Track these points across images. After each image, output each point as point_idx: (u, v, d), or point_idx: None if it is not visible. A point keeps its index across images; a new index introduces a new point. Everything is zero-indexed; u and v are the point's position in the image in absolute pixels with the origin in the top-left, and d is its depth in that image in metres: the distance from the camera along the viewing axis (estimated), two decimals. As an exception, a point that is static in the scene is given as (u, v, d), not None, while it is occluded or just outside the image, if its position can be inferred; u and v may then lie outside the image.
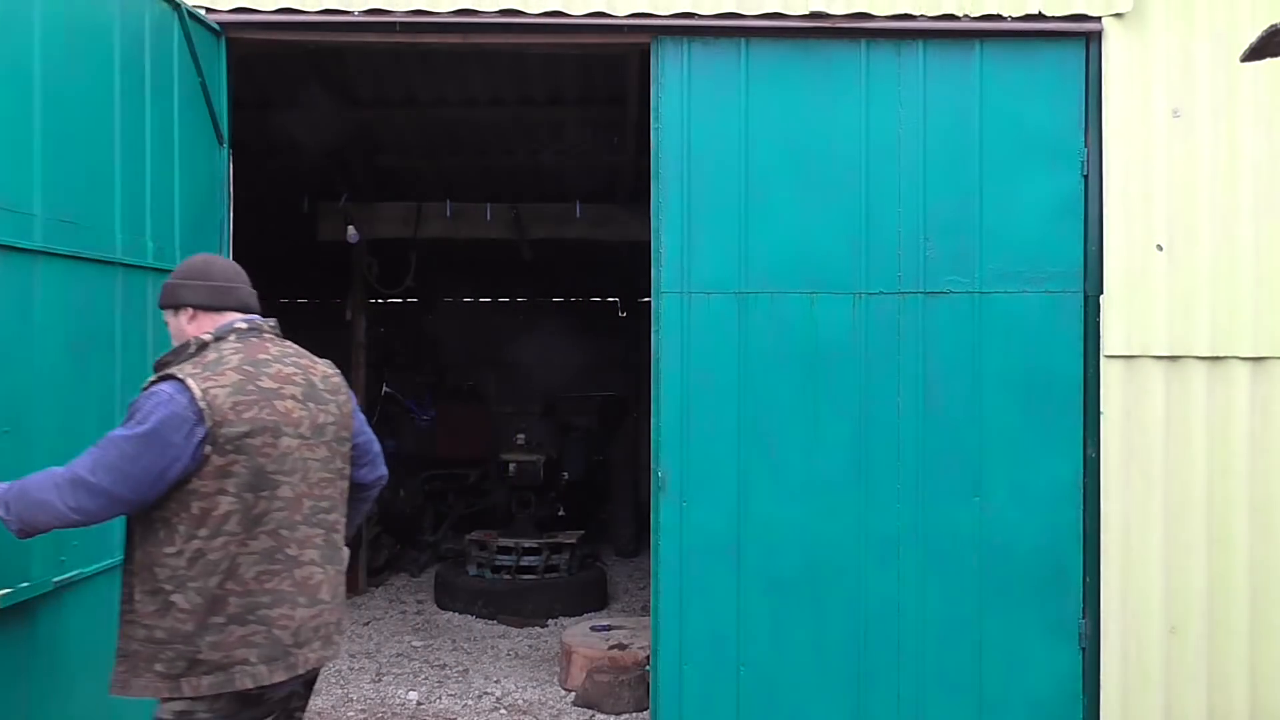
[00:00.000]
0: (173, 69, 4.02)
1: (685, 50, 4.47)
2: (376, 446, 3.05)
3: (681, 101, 4.47)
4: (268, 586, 2.64)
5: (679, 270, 4.48)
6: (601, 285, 11.23)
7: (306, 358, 2.89)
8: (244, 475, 2.61)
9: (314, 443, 2.78)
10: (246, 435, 2.61)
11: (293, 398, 2.74)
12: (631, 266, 9.02)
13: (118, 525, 2.95)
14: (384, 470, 3.08)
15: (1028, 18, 4.42)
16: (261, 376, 2.71)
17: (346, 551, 2.99)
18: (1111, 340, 4.43)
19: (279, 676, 2.65)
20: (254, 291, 2.92)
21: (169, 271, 3.88)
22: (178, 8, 4.02)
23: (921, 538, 4.47)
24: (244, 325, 2.80)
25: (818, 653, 4.46)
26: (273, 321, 2.90)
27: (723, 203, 4.47)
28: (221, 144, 4.41)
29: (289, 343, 2.91)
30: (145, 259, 3.80)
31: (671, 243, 4.48)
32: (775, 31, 4.44)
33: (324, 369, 2.93)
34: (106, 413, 3.52)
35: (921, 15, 4.41)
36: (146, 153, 3.84)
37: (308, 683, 2.92)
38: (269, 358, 2.78)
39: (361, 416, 3.01)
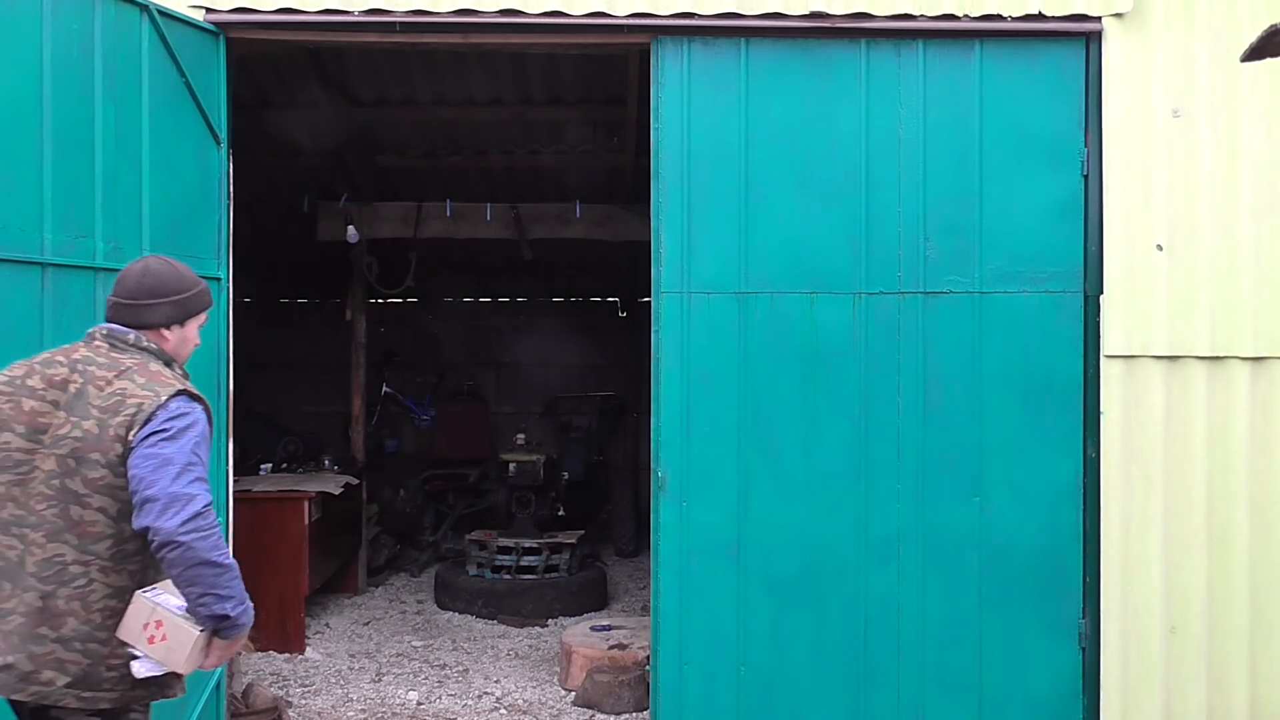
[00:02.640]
0: (140, 68, 4.03)
1: (685, 50, 4.47)
2: (148, 491, 2.49)
3: (681, 101, 4.47)
4: None
5: (679, 270, 4.48)
6: (601, 285, 11.22)
7: (110, 369, 2.66)
8: None
9: (44, 451, 2.60)
10: None
11: (51, 402, 2.63)
12: (631, 266, 9.05)
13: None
14: (154, 522, 2.46)
15: (1028, 18, 4.42)
16: (34, 374, 2.67)
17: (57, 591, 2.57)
18: (1111, 340, 4.43)
19: None
20: (122, 300, 2.77)
21: None
22: (144, 8, 4.02)
23: (921, 538, 4.47)
24: (96, 332, 2.77)
25: (818, 653, 4.46)
26: (127, 335, 2.73)
27: (723, 203, 4.47)
28: (219, 143, 4.41)
29: (123, 357, 2.69)
30: (91, 259, 3.82)
31: (671, 243, 4.48)
32: (775, 31, 4.44)
33: (127, 388, 2.62)
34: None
35: (921, 15, 4.40)
36: (97, 152, 3.85)
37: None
38: (63, 359, 2.70)
39: (153, 453, 2.52)
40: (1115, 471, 4.44)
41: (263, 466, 7.47)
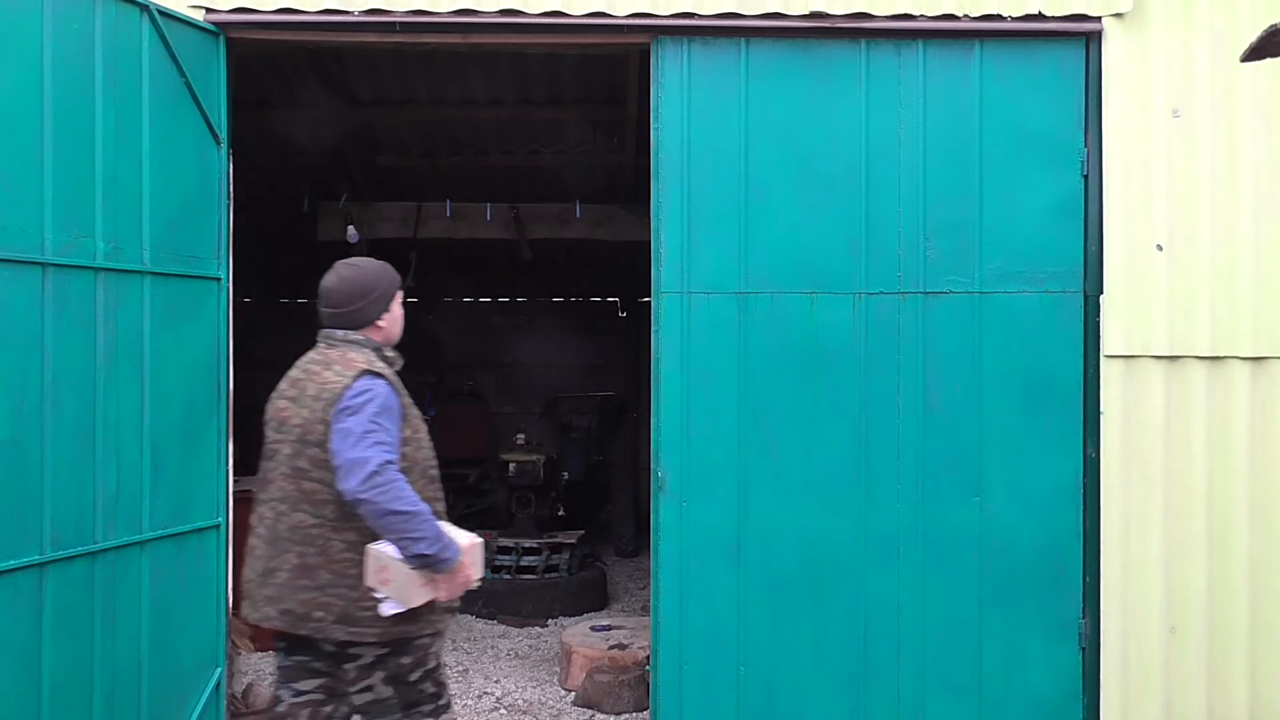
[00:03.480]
0: (140, 68, 4.02)
1: (685, 50, 4.47)
2: (336, 461, 3.03)
3: (681, 101, 4.47)
4: (249, 540, 3.33)
5: (679, 270, 4.48)
6: (601, 285, 11.22)
7: (321, 364, 3.25)
8: (263, 453, 3.32)
9: (284, 439, 3.24)
10: (264, 422, 3.33)
11: (290, 399, 3.26)
12: (631, 266, 9.05)
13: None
14: (341, 485, 3.00)
15: (1028, 18, 4.41)
16: (286, 380, 3.34)
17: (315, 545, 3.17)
18: (1111, 340, 4.43)
19: (244, 612, 3.31)
20: (331, 310, 3.32)
21: (129, 272, 3.96)
22: (144, 8, 4.02)
23: (921, 538, 4.46)
24: (318, 336, 3.37)
25: (818, 652, 4.46)
26: (336, 333, 3.32)
27: (723, 203, 4.47)
28: (219, 143, 4.40)
29: (332, 351, 3.28)
30: (91, 259, 3.82)
31: (671, 243, 4.47)
32: (775, 31, 4.44)
33: (328, 376, 3.18)
34: (24, 412, 3.60)
35: (921, 15, 4.40)
36: (97, 152, 3.85)
37: (326, 655, 3.25)
38: (300, 363, 3.35)
39: (340, 427, 3.05)
40: (1115, 471, 4.44)
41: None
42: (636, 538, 9.16)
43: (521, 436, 8.67)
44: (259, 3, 4.35)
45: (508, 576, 7.45)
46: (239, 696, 4.96)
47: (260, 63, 6.18)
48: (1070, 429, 4.48)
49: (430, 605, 3.16)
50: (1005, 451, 4.47)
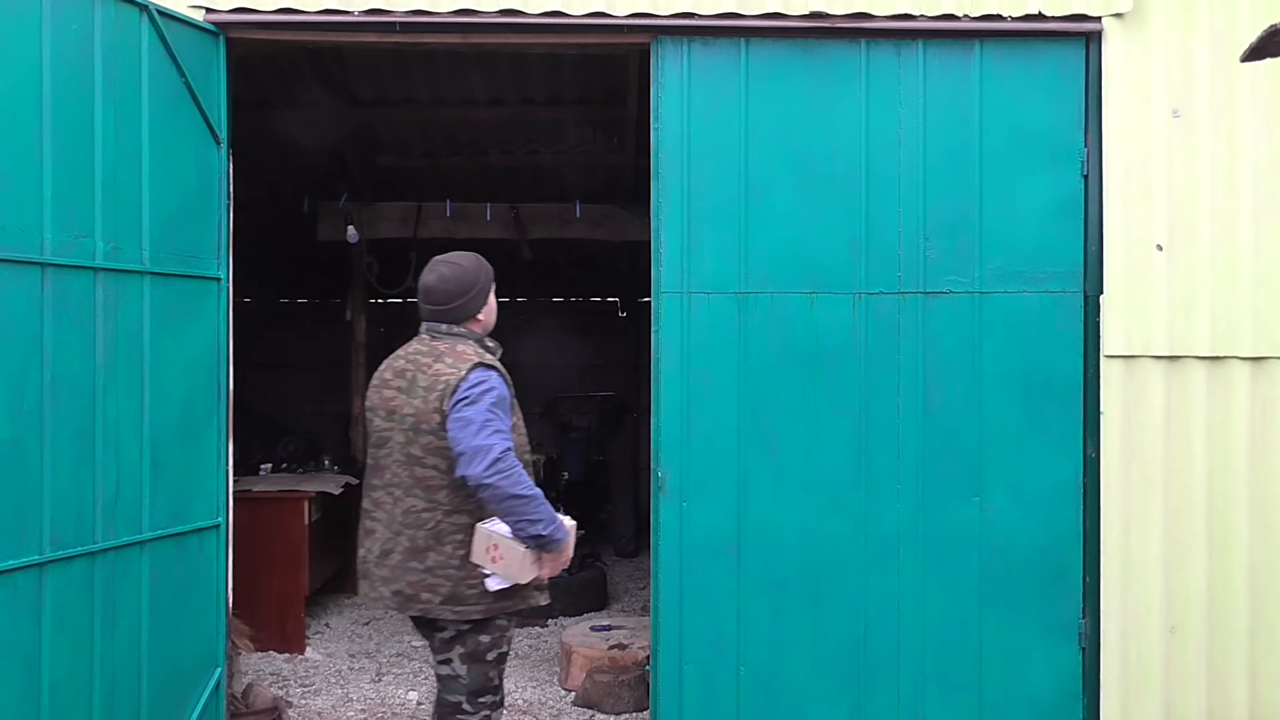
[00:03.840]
0: (140, 68, 4.02)
1: (685, 50, 4.47)
2: (458, 448, 3.20)
3: (681, 101, 4.47)
4: (362, 523, 3.55)
5: (679, 270, 4.48)
6: (601, 285, 11.21)
7: (431, 356, 3.40)
8: (370, 439, 3.53)
9: (396, 427, 3.40)
10: (366, 410, 3.56)
11: (397, 389, 3.43)
12: (631, 266, 9.05)
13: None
14: (465, 471, 3.18)
15: (1028, 18, 4.41)
16: (389, 369, 3.52)
17: (428, 529, 3.37)
18: (1111, 340, 4.43)
19: (362, 591, 3.56)
20: (434, 307, 3.51)
21: (129, 272, 3.97)
22: (144, 8, 4.02)
23: (921, 538, 4.46)
24: (421, 329, 3.55)
25: (818, 653, 4.46)
26: (440, 326, 3.49)
27: (723, 203, 4.47)
28: (219, 143, 4.40)
29: (439, 344, 3.44)
30: (91, 259, 3.82)
31: (671, 243, 4.47)
32: (775, 31, 4.44)
33: (440, 368, 3.34)
34: (24, 412, 3.59)
35: (921, 15, 4.40)
36: (97, 152, 3.85)
37: (427, 625, 3.46)
38: (403, 354, 3.51)
39: (458, 417, 3.22)
40: (1115, 471, 4.44)
41: (263, 466, 7.46)
42: (636, 538, 9.15)
43: (521, 436, 8.65)
44: (259, 3, 4.34)
45: (508, 576, 7.43)
46: (239, 696, 4.96)
47: (260, 63, 6.18)
48: (1070, 429, 4.48)
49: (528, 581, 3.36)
50: (1005, 451, 4.47)
